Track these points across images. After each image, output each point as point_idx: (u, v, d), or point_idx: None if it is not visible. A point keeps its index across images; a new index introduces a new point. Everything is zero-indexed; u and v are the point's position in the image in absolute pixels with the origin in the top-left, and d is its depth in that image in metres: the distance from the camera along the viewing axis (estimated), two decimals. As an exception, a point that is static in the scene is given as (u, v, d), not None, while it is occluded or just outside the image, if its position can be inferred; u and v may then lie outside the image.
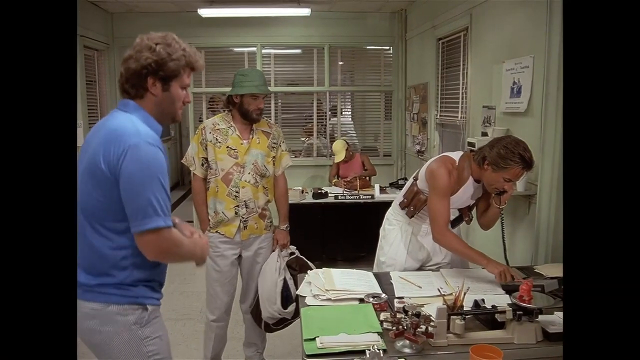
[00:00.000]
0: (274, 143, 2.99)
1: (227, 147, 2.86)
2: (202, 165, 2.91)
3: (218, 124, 2.90)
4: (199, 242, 1.76)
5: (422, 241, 2.69)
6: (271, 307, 2.91)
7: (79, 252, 1.65)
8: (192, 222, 4.58)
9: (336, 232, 5.14)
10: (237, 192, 2.87)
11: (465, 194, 2.55)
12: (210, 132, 2.87)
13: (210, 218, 2.93)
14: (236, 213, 2.88)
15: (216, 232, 2.92)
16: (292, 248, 3.12)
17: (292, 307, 2.90)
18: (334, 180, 5.71)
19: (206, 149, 2.87)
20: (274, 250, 3.05)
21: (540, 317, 1.82)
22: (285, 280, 2.94)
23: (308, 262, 3.06)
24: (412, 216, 2.68)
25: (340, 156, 5.56)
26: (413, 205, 2.66)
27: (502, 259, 2.49)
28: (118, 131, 1.59)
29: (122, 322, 1.65)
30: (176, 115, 1.78)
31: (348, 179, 5.37)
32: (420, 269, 2.70)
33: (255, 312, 3.08)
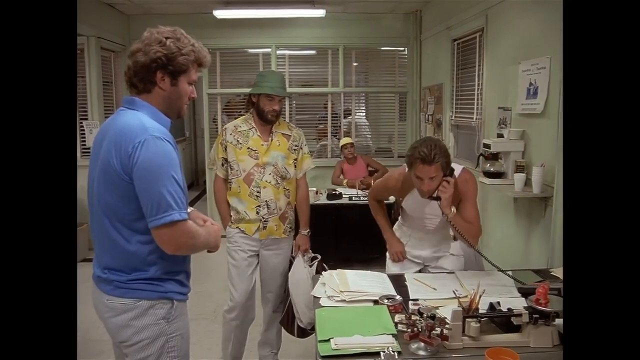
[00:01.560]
0: (295, 145, 3.00)
1: (248, 148, 2.89)
2: (222, 165, 2.94)
3: (240, 126, 2.94)
4: (212, 231, 1.78)
5: (421, 242, 2.75)
6: (311, 313, 2.89)
7: (107, 252, 1.68)
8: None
9: (350, 233, 5.13)
10: (258, 192, 2.88)
11: (420, 203, 2.56)
12: (231, 134, 2.92)
13: (231, 214, 2.97)
14: (257, 213, 2.90)
15: (236, 227, 2.95)
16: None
17: None
18: (344, 181, 5.67)
19: (226, 149, 2.91)
20: (294, 257, 3.04)
21: (557, 321, 1.80)
22: None
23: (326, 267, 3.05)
24: (397, 218, 2.86)
25: (345, 140, 5.80)
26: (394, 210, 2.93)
27: (516, 263, 2.47)
28: (126, 129, 1.59)
29: (153, 316, 1.69)
30: (182, 111, 1.79)
31: (363, 178, 5.43)
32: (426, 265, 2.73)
33: (287, 320, 3.08)
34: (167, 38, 1.66)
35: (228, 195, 2.96)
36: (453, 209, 2.40)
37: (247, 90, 2.98)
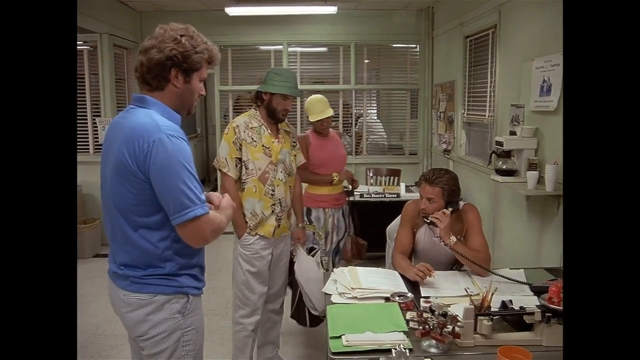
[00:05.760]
0: (294, 142, 3.05)
1: (263, 145, 2.83)
2: (236, 166, 2.83)
3: (250, 123, 2.85)
4: (225, 212, 1.78)
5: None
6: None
7: (122, 249, 1.69)
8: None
9: (361, 231, 5.12)
10: (273, 190, 2.86)
11: (430, 236, 2.67)
12: (244, 131, 2.82)
13: (248, 220, 2.85)
14: (273, 212, 2.87)
15: (256, 234, 2.86)
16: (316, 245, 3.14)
17: None
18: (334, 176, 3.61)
19: (240, 148, 2.81)
20: (293, 250, 3.07)
21: (570, 319, 1.79)
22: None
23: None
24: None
25: (319, 114, 3.66)
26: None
27: (528, 262, 2.46)
28: (139, 128, 1.59)
29: (168, 310, 1.70)
30: (192, 108, 1.80)
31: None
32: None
33: (298, 313, 3.13)
34: (181, 36, 1.66)
35: (242, 197, 2.85)
36: (453, 237, 2.44)
37: (258, 87, 2.93)
